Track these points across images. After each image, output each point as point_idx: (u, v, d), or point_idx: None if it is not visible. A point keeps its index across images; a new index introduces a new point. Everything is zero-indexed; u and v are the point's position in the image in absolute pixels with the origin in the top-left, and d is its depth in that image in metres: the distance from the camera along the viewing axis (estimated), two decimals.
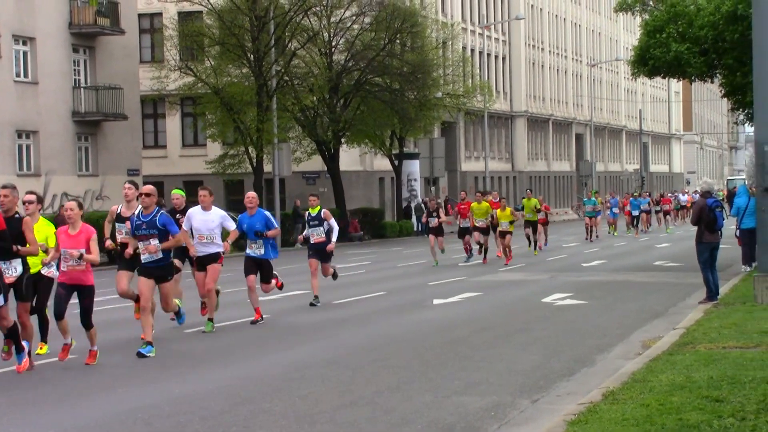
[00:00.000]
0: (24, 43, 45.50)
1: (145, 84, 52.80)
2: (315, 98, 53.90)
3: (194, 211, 18.27)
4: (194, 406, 11.55)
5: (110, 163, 49.40)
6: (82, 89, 48.03)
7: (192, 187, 63.61)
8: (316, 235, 21.80)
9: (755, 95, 19.33)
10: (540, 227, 40.35)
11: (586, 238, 48.12)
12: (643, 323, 17.95)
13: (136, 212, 15.74)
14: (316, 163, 58.89)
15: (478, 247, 34.48)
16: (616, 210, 54.37)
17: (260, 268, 19.21)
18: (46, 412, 11.54)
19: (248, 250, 19.29)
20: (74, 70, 48.16)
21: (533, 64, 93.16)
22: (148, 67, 54.77)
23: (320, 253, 21.81)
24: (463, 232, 34.31)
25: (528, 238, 39.38)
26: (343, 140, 55.69)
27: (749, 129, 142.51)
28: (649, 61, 29.25)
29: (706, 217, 19.84)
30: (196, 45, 51.70)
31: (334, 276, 22.65)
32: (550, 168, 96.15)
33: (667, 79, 34.83)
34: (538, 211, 39.10)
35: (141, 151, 53.26)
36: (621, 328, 17.31)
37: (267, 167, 51.80)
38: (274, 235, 19.14)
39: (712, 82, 33.20)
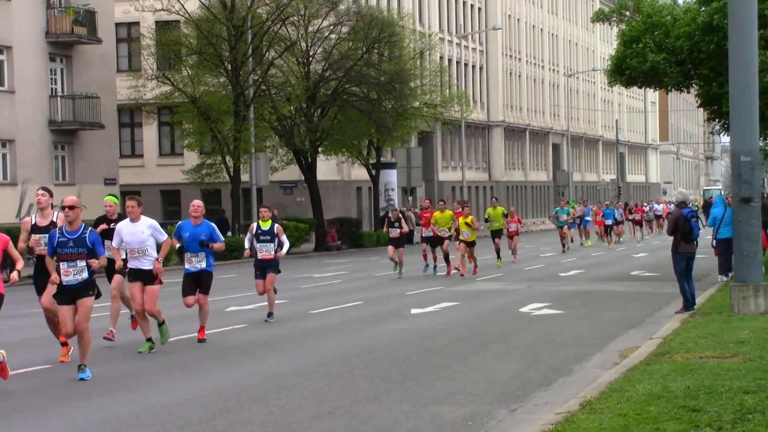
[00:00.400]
0: (0, 52, 45.30)
1: (122, 93, 52.65)
2: (292, 108, 53.87)
3: (122, 225, 16.80)
4: (171, 415, 11.51)
5: (87, 173, 49.22)
6: (58, 98, 47.87)
7: (169, 196, 64.05)
8: (265, 251, 20.29)
9: (731, 105, 19.42)
10: (508, 240, 39.54)
11: (563, 251, 46.63)
12: (620, 333, 17.97)
13: (61, 227, 14.36)
14: (294, 173, 58.86)
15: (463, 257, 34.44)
16: (588, 218, 53.32)
17: (199, 282, 17.85)
18: (17, 422, 11.47)
19: (187, 266, 17.80)
20: (51, 78, 48.00)
21: (510, 73, 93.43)
22: (125, 76, 54.63)
23: (267, 270, 20.40)
24: (425, 242, 33.56)
25: (497, 250, 37.77)
26: (320, 150, 55.68)
27: (725, 139, 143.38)
28: (625, 71, 29.37)
29: (681, 227, 19.91)
30: (173, 54, 51.58)
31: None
32: (527, 178, 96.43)
33: (643, 89, 34.94)
34: (505, 216, 38.31)
35: (118, 160, 53.09)
36: (598, 338, 17.33)
37: (244, 177, 51.72)
38: (219, 249, 17.89)
39: (688, 92, 33.34)
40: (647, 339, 16.38)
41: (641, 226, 60.02)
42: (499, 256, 37.53)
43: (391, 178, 64.32)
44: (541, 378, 13.57)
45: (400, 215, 33.29)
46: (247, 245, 20.67)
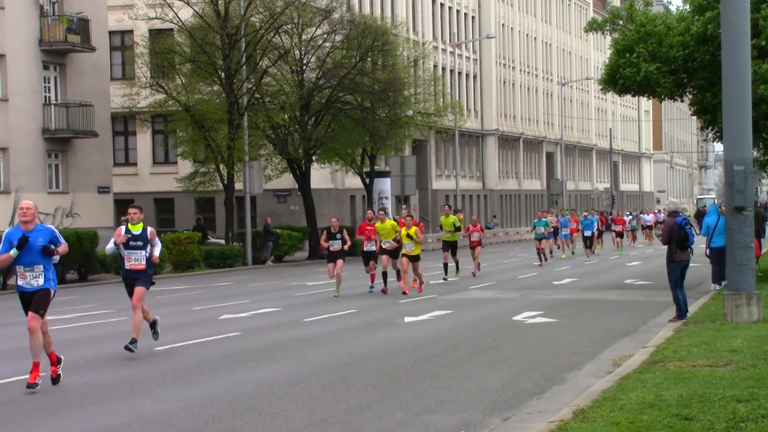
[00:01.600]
0: None
1: (116, 101, 52.66)
2: (286, 116, 53.88)
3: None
4: (164, 424, 11.49)
5: (80, 181, 49.19)
6: (52, 106, 47.84)
7: (163, 205, 64.02)
8: (135, 259, 17.14)
9: (724, 115, 19.44)
10: (471, 251, 37.45)
11: (540, 264, 42.90)
12: (613, 341, 17.96)
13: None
14: (287, 181, 58.87)
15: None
16: (566, 231, 49.96)
17: (30, 302, 14.44)
18: (10, 430, 11.44)
19: (20, 281, 14.47)
20: (44, 87, 47.98)
21: (504, 82, 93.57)
22: (118, 84, 54.65)
23: (136, 283, 17.20)
24: (367, 258, 29.80)
25: (444, 264, 34.26)
26: (314, 158, 55.68)
27: (719, 148, 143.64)
28: (619, 80, 29.39)
29: (676, 236, 19.93)
30: (167, 62, 51.59)
31: (153, 327, 17.75)
32: (520, 186, 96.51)
33: (637, 97, 34.96)
34: (458, 229, 35.10)
35: (111, 169, 53.07)
36: (591, 346, 17.32)
37: (238, 185, 51.72)
38: (63, 252, 14.50)
39: (681, 101, 33.37)
40: (640, 347, 16.37)
41: (622, 237, 56.56)
42: (446, 272, 34.34)
43: (384, 186, 64.31)
44: (533, 386, 13.54)
45: (342, 227, 29.79)
46: (108, 250, 17.69)
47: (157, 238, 17.35)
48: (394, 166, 63.85)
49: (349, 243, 29.14)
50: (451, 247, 34.92)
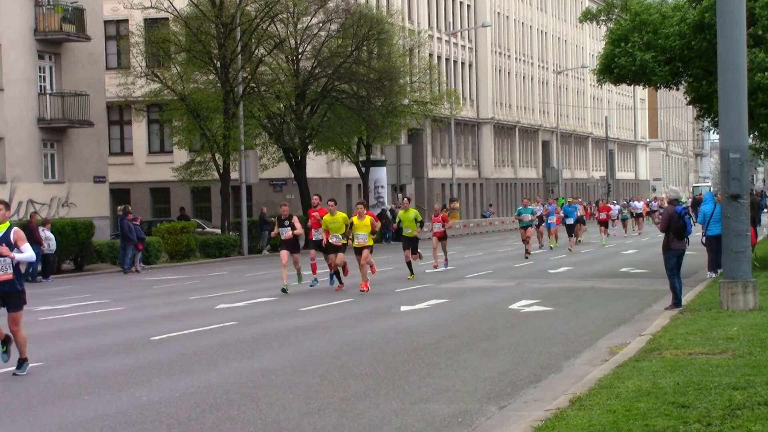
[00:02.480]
0: None
1: (111, 90, 52.56)
2: (282, 105, 53.82)
3: None
4: (161, 413, 11.50)
5: (76, 170, 49.11)
6: (47, 96, 47.73)
7: (159, 194, 63.93)
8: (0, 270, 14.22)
9: (720, 104, 19.44)
10: (436, 241, 34.47)
11: (526, 256, 40.02)
12: (609, 330, 17.96)
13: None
14: (283, 170, 58.83)
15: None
16: (552, 219, 46.57)
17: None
18: (7, 420, 11.44)
19: None
20: (40, 76, 47.85)
21: (500, 71, 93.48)
22: (114, 74, 54.53)
23: (6, 302, 14.42)
24: (316, 247, 27.43)
25: (408, 264, 31.07)
26: (310, 147, 55.65)
27: (714, 136, 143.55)
28: (614, 69, 29.34)
29: (675, 225, 19.92)
30: (162, 52, 51.49)
31: (4, 344, 14.85)
32: (516, 175, 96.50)
33: (632, 86, 34.88)
34: (420, 224, 31.97)
35: (107, 158, 52.94)
36: (587, 335, 17.33)
37: (234, 174, 51.67)
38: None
39: (677, 89, 33.35)
40: (636, 336, 16.38)
41: (607, 226, 52.78)
42: (411, 271, 30.89)
43: (381, 175, 64.34)
44: (530, 375, 13.56)
45: (292, 213, 27.54)
46: None
47: (26, 243, 14.30)
48: (390, 155, 63.87)
49: (298, 230, 26.49)
50: (411, 244, 31.55)
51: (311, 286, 27.50)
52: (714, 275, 25.79)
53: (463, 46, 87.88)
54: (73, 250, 39.81)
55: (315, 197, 29.10)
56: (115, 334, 18.51)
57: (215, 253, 47.64)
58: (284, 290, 25.86)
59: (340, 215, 26.49)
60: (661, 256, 20.56)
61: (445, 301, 23.60)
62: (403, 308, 22.20)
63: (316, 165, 62.06)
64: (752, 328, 15.93)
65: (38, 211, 41.87)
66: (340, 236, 26.23)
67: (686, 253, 20.86)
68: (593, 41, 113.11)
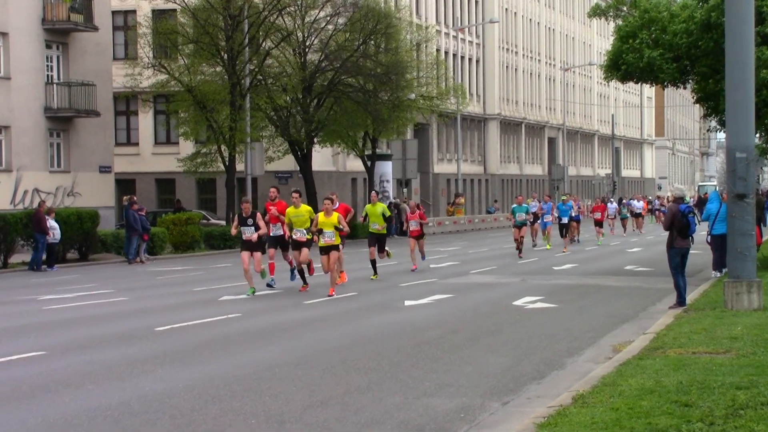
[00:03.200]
0: None
1: (118, 81, 52.60)
2: (288, 98, 53.82)
3: None
4: (164, 404, 11.51)
5: (82, 160, 49.16)
6: (54, 85, 47.77)
7: (164, 185, 63.97)
8: None
9: (727, 103, 19.40)
10: (413, 242, 31.93)
11: (520, 255, 38.27)
12: (613, 327, 17.94)
13: None
14: (289, 163, 58.82)
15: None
16: (549, 219, 44.44)
17: None
18: (10, 408, 11.44)
19: None
20: (47, 66, 47.89)
21: (507, 67, 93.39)
22: (121, 64, 54.55)
23: None
24: (273, 244, 25.60)
25: (372, 261, 28.99)
26: (315, 140, 55.63)
27: (721, 136, 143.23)
28: (621, 66, 29.30)
29: (678, 223, 19.88)
30: (169, 43, 51.47)
31: None
32: (522, 171, 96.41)
33: (639, 84, 34.78)
34: (388, 219, 30.32)
35: (113, 148, 53.03)
36: (591, 332, 17.31)
37: (239, 166, 51.68)
38: None
39: (684, 88, 33.29)
40: (640, 334, 16.36)
41: (601, 225, 50.69)
42: (375, 271, 28.67)
43: (386, 169, 64.30)
44: (533, 371, 13.55)
45: (256, 210, 25.62)
46: None
47: None
48: (395, 150, 63.81)
49: (262, 230, 24.36)
50: (379, 241, 29.56)
51: (269, 285, 25.40)
52: (719, 274, 25.76)
53: (471, 42, 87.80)
54: (78, 240, 39.83)
55: (273, 189, 26.73)
56: (118, 324, 18.51)
57: (220, 244, 47.62)
58: (250, 293, 23.99)
59: (305, 208, 24.73)
60: (666, 254, 20.53)
61: (449, 297, 23.57)
62: (407, 303, 22.17)
63: (322, 158, 62.06)
64: (756, 327, 15.89)
65: (44, 200, 41.89)
66: (305, 231, 24.33)
67: (691, 252, 20.85)
68: (601, 38, 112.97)
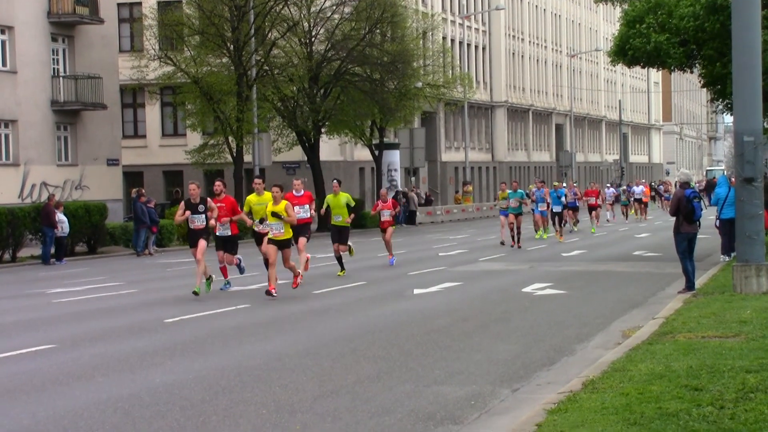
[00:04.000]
0: (2, 32, 45.19)
1: (125, 73, 52.58)
2: (295, 88, 53.77)
3: None
4: (174, 395, 11.50)
5: (90, 153, 49.19)
6: (61, 78, 47.78)
7: (172, 177, 64.01)
8: None
9: (734, 86, 19.33)
10: (390, 233, 29.55)
11: (512, 245, 36.21)
12: (622, 313, 17.93)
13: None
14: (297, 153, 58.79)
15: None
16: (542, 206, 41.68)
17: None
18: (20, 401, 11.44)
19: None
20: (53, 59, 47.88)
21: (513, 54, 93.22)
22: (127, 57, 54.53)
23: None
24: (220, 245, 23.04)
25: (337, 258, 26.56)
26: (323, 130, 55.60)
27: (728, 119, 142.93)
28: (628, 51, 29.21)
29: (684, 208, 19.83)
30: (175, 34, 51.45)
31: None
32: (530, 158, 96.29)
33: (646, 69, 34.70)
34: (354, 210, 27.64)
35: (120, 141, 53.03)
36: (600, 318, 17.30)
37: (247, 157, 51.67)
38: None
39: (691, 72, 33.19)
40: (649, 319, 16.34)
41: (595, 211, 48.35)
42: (342, 267, 26.51)
43: (394, 158, 64.26)
44: (543, 358, 13.55)
45: (205, 196, 22.85)
46: None
47: None
48: (403, 138, 63.77)
49: (213, 219, 22.02)
50: (342, 235, 26.66)
51: (222, 290, 22.88)
52: (727, 258, 25.71)
53: (477, 29, 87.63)
54: (86, 233, 39.87)
55: (217, 183, 23.04)
56: (128, 317, 18.51)
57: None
58: (196, 292, 21.17)
59: (268, 196, 21.80)
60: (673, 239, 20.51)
61: (458, 285, 23.55)
62: (416, 291, 22.15)
63: (330, 148, 62.02)
64: (765, 311, 15.86)
65: (52, 193, 41.93)
66: (271, 225, 21.17)
67: (699, 236, 20.80)
68: (607, 24, 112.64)
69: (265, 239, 21.55)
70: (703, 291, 19.51)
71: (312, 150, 55.43)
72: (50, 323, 18.08)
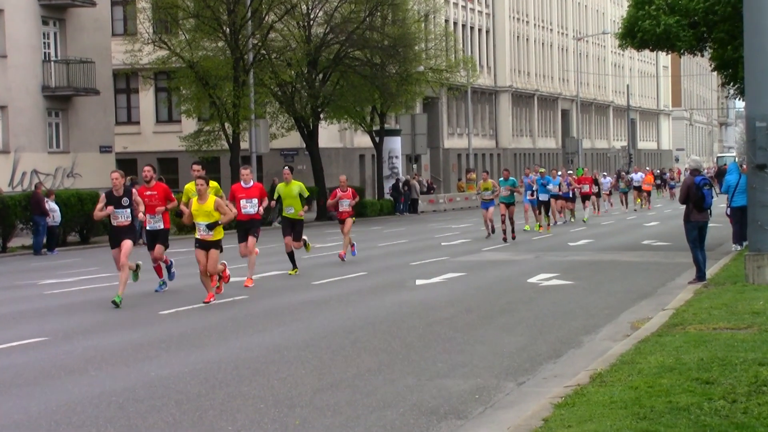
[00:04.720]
0: None
1: (118, 58, 52.10)
2: (293, 73, 53.42)
3: None
4: (169, 389, 11.41)
5: (82, 140, 48.69)
6: (52, 63, 47.28)
7: (167, 164, 63.55)
8: None
9: (746, 69, 19.14)
10: (350, 224, 27.24)
11: (503, 238, 33.97)
12: (631, 304, 17.76)
13: None
14: (295, 140, 58.47)
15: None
16: (532, 196, 39.38)
17: None
18: (12, 395, 11.31)
19: None
20: (44, 43, 47.36)
21: (518, 37, 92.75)
22: (120, 41, 54.05)
23: None
24: (151, 240, 20.91)
25: (289, 254, 24.18)
26: (322, 116, 55.27)
27: (740, 104, 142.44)
28: (637, 34, 28.96)
29: (693, 196, 19.58)
30: (170, 17, 50.96)
31: None
32: (535, 145, 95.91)
33: (655, 52, 34.35)
34: (308, 201, 25.49)
35: (114, 128, 52.63)
36: (608, 309, 17.12)
37: (244, 144, 51.33)
38: None
39: (701, 55, 32.88)
40: (659, 310, 16.16)
41: (588, 200, 46.95)
42: (294, 264, 24.14)
43: (395, 145, 63.95)
44: (549, 350, 13.42)
45: (130, 188, 19.50)
46: None
47: None
48: (404, 125, 63.43)
49: (140, 214, 19.48)
50: (294, 228, 24.18)
51: (157, 291, 20.87)
52: (739, 248, 25.49)
53: (480, 12, 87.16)
54: (79, 222, 39.33)
55: (147, 168, 20.62)
56: (122, 309, 18.29)
57: (224, 225, 47.23)
58: (116, 303, 18.38)
59: (213, 185, 20.08)
60: (683, 228, 20.16)
61: (461, 275, 23.30)
62: (419, 282, 21.93)
63: (329, 134, 61.66)
64: None
65: (42, 182, 41.38)
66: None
67: (710, 225, 20.65)
68: (615, 6, 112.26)
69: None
70: (715, 281, 19.27)
71: (311, 137, 55.08)
72: (42, 315, 17.91)
